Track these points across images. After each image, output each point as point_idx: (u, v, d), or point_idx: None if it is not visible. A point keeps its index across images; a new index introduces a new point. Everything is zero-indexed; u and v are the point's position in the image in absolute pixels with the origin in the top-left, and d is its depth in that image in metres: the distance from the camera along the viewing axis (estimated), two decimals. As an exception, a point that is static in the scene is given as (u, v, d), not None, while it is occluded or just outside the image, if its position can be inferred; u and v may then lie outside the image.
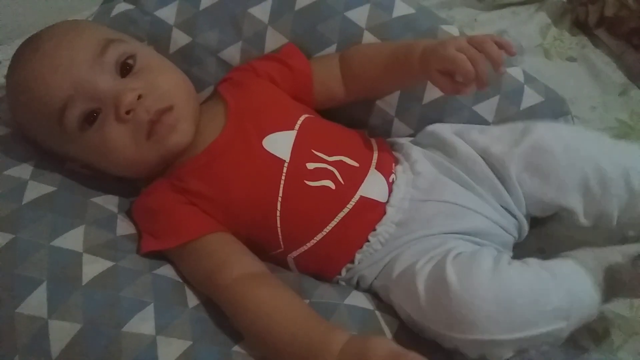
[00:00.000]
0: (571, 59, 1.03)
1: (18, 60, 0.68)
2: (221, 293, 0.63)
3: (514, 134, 0.72)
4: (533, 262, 0.64)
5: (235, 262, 0.65)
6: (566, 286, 0.61)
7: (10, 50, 0.89)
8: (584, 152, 0.69)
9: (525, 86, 0.82)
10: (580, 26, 1.07)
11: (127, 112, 0.65)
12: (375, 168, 0.73)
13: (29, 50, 0.67)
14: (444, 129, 0.77)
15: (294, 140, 0.71)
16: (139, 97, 0.66)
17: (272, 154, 0.70)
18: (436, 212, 0.70)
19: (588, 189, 0.68)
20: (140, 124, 0.66)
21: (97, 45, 0.66)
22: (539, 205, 0.72)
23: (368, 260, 0.70)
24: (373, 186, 0.71)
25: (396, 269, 0.67)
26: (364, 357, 0.53)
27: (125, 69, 0.67)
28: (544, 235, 0.79)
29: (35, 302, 0.58)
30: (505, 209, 0.72)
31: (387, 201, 0.71)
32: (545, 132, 0.71)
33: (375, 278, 0.70)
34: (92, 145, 0.67)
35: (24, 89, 0.66)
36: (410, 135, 0.83)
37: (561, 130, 0.73)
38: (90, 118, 0.66)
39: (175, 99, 0.69)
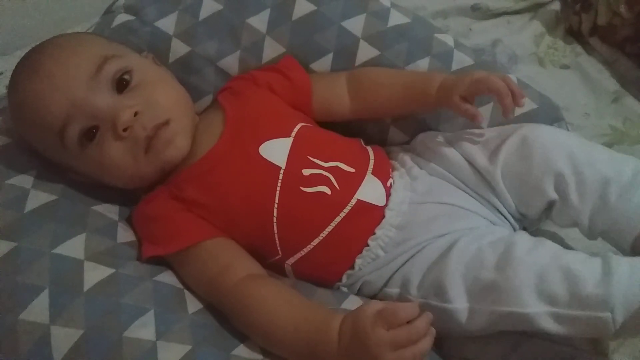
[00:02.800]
0: (565, 67, 1.04)
1: (18, 78, 0.69)
2: (226, 294, 0.64)
3: (500, 136, 0.74)
4: (598, 253, 0.64)
5: (238, 264, 0.67)
6: (612, 277, 0.59)
7: (11, 61, 0.90)
8: (561, 160, 0.70)
9: (519, 93, 0.84)
10: (574, 34, 1.09)
11: (125, 130, 0.66)
12: (372, 173, 0.74)
13: (28, 69, 0.68)
14: (433, 137, 0.79)
15: (290, 147, 0.72)
16: (136, 113, 0.67)
17: (268, 161, 0.71)
18: (435, 214, 0.71)
19: (565, 193, 0.70)
20: (138, 140, 0.68)
21: (93, 63, 0.67)
22: (525, 198, 0.73)
23: (370, 266, 0.71)
24: (370, 190, 0.72)
25: (416, 273, 0.68)
26: (358, 323, 0.57)
27: (121, 84, 0.68)
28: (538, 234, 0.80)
29: (38, 309, 0.59)
30: (498, 211, 0.74)
31: (386, 205, 0.72)
32: (530, 130, 0.73)
33: (386, 286, 0.71)
34: (93, 161, 0.69)
35: (24, 108, 0.68)
36: (406, 143, 0.84)
37: (550, 130, 0.75)
38: (89, 135, 0.67)
39: (172, 113, 0.70)
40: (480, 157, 0.74)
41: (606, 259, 0.62)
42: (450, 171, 0.75)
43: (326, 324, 0.60)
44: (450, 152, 0.76)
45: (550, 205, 0.72)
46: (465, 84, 0.72)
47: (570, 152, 0.70)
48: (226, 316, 0.64)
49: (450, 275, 0.65)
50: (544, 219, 0.76)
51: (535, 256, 0.63)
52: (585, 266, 0.61)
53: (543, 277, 0.61)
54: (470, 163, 0.74)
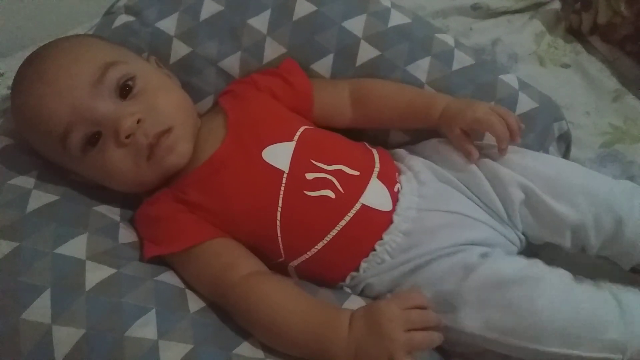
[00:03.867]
0: (565, 66, 1.04)
1: (22, 82, 0.69)
2: (230, 291, 0.64)
3: (521, 162, 0.74)
4: (605, 286, 0.67)
5: (242, 262, 0.67)
6: (629, 321, 0.63)
7: (12, 62, 0.91)
8: (586, 199, 0.71)
9: (519, 92, 0.83)
10: (574, 33, 1.08)
11: (127, 137, 0.67)
12: (377, 177, 0.74)
13: (32, 73, 0.68)
14: (445, 144, 0.79)
15: (293, 151, 0.72)
16: (138, 121, 0.67)
17: (272, 165, 0.71)
18: (443, 223, 0.71)
19: (584, 231, 0.71)
20: (140, 148, 0.68)
21: (97, 69, 0.67)
22: (533, 238, 0.75)
23: (375, 269, 0.71)
24: (375, 195, 0.72)
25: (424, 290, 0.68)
26: (373, 305, 0.62)
27: (124, 90, 0.68)
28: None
29: (39, 309, 0.59)
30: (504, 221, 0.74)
31: (394, 210, 0.72)
32: (558, 172, 0.73)
33: (390, 291, 0.71)
34: (95, 166, 0.69)
35: (27, 113, 0.68)
36: (407, 143, 0.84)
37: (569, 170, 0.75)
38: (92, 140, 0.67)
39: (174, 120, 0.70)
40: (503, 173, 0.73)
41: (617, 297, 0.64)
42: (461, 179, 0.75)
43: (335, 318, 0.62)
44: (465, 162, 0.75)
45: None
46: (467, 120, 0.74)
47: (595, 195, 0.71)
48: (229, 314, 0.65)
49: (465, 303, 0.65)
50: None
51: (559, 299, 0.63)
52: (604, 308, 0.64)
53: (568, 325, 0.62)
54: (488, 177, 0.74)
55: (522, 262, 0.68)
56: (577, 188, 0.71)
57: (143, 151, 0.68)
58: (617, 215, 0.70)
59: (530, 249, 0.78)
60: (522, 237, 0.75)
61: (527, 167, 0.73)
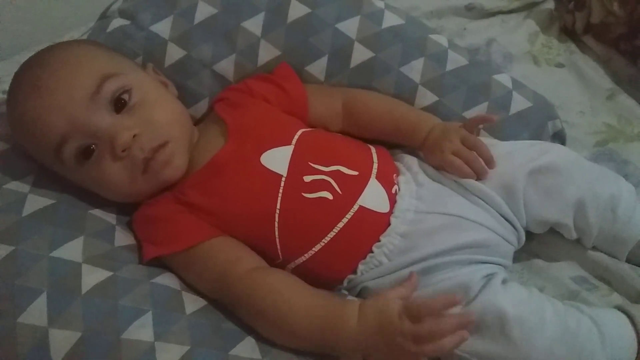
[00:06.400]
0: (559, 65, 1.04)
1: (18, 90, 0.69)
2: (236, 284, 0.65)
3: (527, 152, 0.75)
4: (586, 311, 0.67)
5: (246, 257, 0.68)
6: (608, 345, 0.64)
7: (8, 66, 0.90)
8: (582, 176, 0.73)
9: (513, 92, 0.84)
10: (568, 33, 1.09)
11: (123, 151, 0.67)
12: (376, 178, 0.74)
13: (28, 82, 0.68)
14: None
15: (291, 155, 0.72)
16: (135, 135, 0.67)
17: (270, 170, 0.71)
18: (440, 225, 0.71)
19: (583, 208, 0.72)
20: (136, 161, 0.68)
21: (94, 82, 0.67)
22: (537, 222, 0.75)
23: (373, 272, 0.71)
24: (373, 197, 0.72)
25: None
26: (385, 315, 0.61)
27: (120, 103, 0.68)
28: (541, 242, 0.80)
29: (36, 312, 0.59)
30: (505, 219, 0.74)
31: (392, 212, 0.72)
32: (557, 154, 0.75)
33: None
34: (89, 178, 0.69)
35: (22, 122, 0.68)
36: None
37: (567, 154, 0.77)
38: (87, 152, 0.68)
39: (170, 134, 0.70)
40: (504, 166, 0.75)
41: (596, 323, 0.65)
42: (460, 181, 0.75)
43: (342, 308, 0.63)
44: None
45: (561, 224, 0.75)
46: (437, 160, 0.76)
47: (589, 171, 0.75)
48: (232, 309, 0.66)
49: None
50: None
51: (554, 338, 0.64)
52: (590, 340, 0.64)
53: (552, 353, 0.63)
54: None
55: (522, 294, 0.67)
56: (574, 162, 0.75)
57: (139, 165, 0.68)
58: (610, 190, 0.73)
59: (530, 249, 0.79)
60: (522, 233, 0.75)
61: (533, 157, 0.74)
